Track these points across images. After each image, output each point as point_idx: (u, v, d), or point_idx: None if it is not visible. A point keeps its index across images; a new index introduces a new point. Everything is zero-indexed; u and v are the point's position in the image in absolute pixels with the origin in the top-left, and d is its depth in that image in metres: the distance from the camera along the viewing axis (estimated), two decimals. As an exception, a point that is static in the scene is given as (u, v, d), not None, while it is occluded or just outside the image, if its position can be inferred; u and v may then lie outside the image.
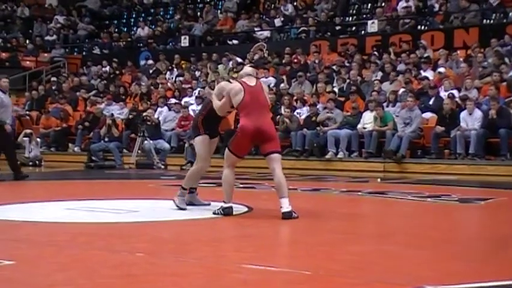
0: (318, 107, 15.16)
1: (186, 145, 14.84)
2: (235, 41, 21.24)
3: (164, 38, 23.05)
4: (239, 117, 7.13)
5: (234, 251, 5.17)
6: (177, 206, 7.38)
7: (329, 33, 19.85)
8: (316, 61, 17.93)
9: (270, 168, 7.09)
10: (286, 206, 6.81)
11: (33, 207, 7.48)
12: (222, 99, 7.15)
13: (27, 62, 23.49)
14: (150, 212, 7.46)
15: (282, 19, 20.93)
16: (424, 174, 12.85)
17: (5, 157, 11.64)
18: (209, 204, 7.60)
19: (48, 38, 24.70)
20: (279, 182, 6.94)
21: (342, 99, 15.57)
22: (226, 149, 7.14)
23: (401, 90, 14.99)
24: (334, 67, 17.36)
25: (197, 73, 19.35)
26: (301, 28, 20.28)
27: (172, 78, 19.80)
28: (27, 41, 24.69)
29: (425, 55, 16.60)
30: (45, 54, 23.83)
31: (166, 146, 15.41)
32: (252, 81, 7.19)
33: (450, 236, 6.16)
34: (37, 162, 16.28)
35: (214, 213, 7.00)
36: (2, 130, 11.24)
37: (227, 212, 6.93)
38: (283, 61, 18.53)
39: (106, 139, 16.01)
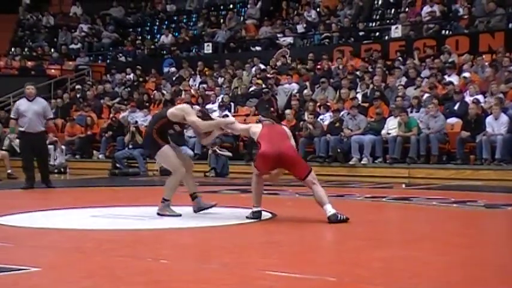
0: (341, 113, 15.11)
1: (210, 152, 14.87)
2: (258, 48, 21.27)
3: (187, 45, 23.14)
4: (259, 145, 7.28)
5: (258, 258, 5.15)
6: (169, 215, 7.32)
7: (352, 39, 19.78)
8: (340, 67, 17.88)
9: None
10: (329, 210, 6.93)
11: (59, 214, 7.53)
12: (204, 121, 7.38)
13: (52, 71, 23.71)
14: (173, 218, 7.46)
15: (305, 25, 20.91)
16: (449, 180, 12.74)
17: (37, 164, 11.70)
18: (215, 204, 7.65)
19: (72, 46, 24.93)
20: (318, 196, 7.14)
21: (366, 105, 15.50)
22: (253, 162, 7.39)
23: (426, 95, 14.90)
24: (357, 73, 17.30)
25: (220, 80, 19.39)
26: (324, 34, 20.24)
27: (195, 85, 19.86)
28: (52, 50, 24.93)
29: (450, 60, 16.48)
30: (70, 63, 24.04)
31: (190, 152, 15.43)
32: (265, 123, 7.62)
33: (477, 242, 6.09)
34: (62, 169, 16.42)
35: (247, 217, 7.16)
36: (33, 137, 11.30)
37: (256, 216, 7.12)
38: (307, 67, 18.50)
39: (130, 146, 16.10)
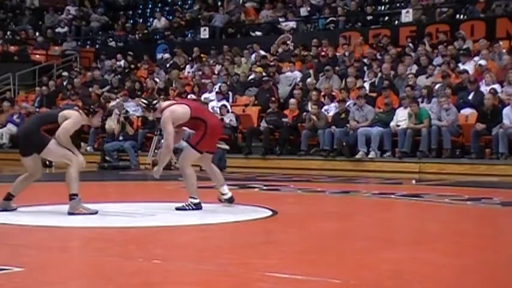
0: (347, 103, 15.10)
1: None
2: (258, 33, 21.24)
3: (182, 30, 23.12)
4: (198, 119, 7.67)
5: (258, 258, 5.16)
6: (85, 213, 7.22)
7: (360, 24, 19.76)
8: (346, 54, 17.86)
9: (208, 165, 7.96)
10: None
11: (44, 210, 7.53)
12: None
13: (37, 56, 23.69)
14: (167, 216, 7.47)
15: (309, 9, 20.88)
16: (463, 176, 12.75)
17: None
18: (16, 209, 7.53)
19: (59, 30, 24.89)
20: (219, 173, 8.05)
21: (374, 94, 15.50)
22: (189, 148, 7.79)
23: (438, 84, 14.89)
24: (365, 60, 17.29)
25: (217, 67, 19.38)
26: (330, 18, 20.22)
27: (191, 72, 19.85)
28: (37, 34, 24.88)
29: (465, 47, 16.47)
30: (56, 48, 24.01)
31: (185, 145, 15.41)
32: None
33: (492, 242, 6.10)
34: (47, 162, 16.37)
35: (178, 208, 7.49)
36: None
37: (198, 207, 7.53)
38: (310, 54, 18.48)
39: (120, 138, 16.09)
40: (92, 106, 7.49)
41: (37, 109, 19.59)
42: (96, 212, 7.29)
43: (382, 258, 5.17)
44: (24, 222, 6.88)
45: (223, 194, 7.93)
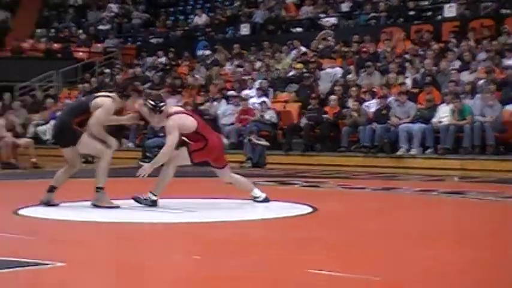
0: (388, 99, 14.99)
1: (246, 141, 14.89)
2: (299, 29, 21.19)
3: (223, 26, 23.16)
4: (201, 135, 7.67)
5: (298, 255, 5.15)
6: (106, 207, 7.39)
7: (402, 19, 19.59)
8: (388, 49, 17.72)
9: (229, 176, 7.98)
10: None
11: (86, 206, 7.62)
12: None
13: (80, 53, 23.96)
14: (207, 211, 7.51)
15: (350, 4, 20.77)
16: (507, 173, 12.57)
17: None
18: (58, 204, 7.63)
19: (101, 27, 25.13)
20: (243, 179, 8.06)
21: (416, 90, 15.36)
22: (187, 152, 7.67)
23: (481, 80, 14.70)
24: (407, 56, 17.13)
25: (258, 63, 19.38)
26: (371, 14, 20.08)
27: (231, 69, 19.88)
28: (80, 31, 25.16)
29: (510, 41, 16.22)
30: (98, 45, 24.25)
31: (225, 141, 15.48)
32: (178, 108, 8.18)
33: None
34: (89, 158, 16.54)
35: (136, 200, 7.51)
36: None
37: (154, 204, 7.52)
38: (351, 50, 18.39)
39: (161, 134, 16.17)
40: (125, 89, 7.51)
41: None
42: (117, 207, 7.42)
43: (423, 255, 5.13)
44: (67, 218, 6.98)
45: (256, 197, 7.89)
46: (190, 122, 7.59)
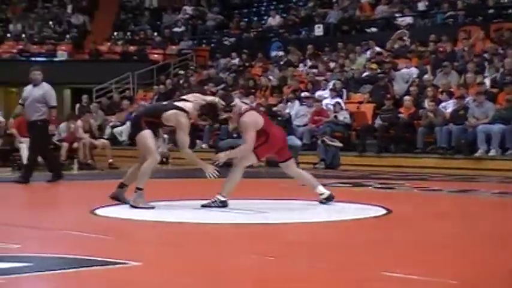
0: (466, 100, 14.70)
1: (319, 142, 14.84)
2: (373, 29, 21.00)
3: (297, 27, 23.15)
4: (264, 131, 7.69)
5: (372, 257, 5.10)
6: (142, 207, 7.48)
7: (481, 18, 19.17)
8: (465, 49, 17.38)
9: (293, 171, 8.10)
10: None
11: (160, 206, 7.73)
12: None
13: (155, 55, 24.33)
14: (280, 213, 7.51)
15: (427, 3, 20.45)
16: None
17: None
18: (128, 203, 7.75)
19: (176, 29, 25.45)
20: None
21: (495, 90, 15.02)
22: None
23: None
24: (485, 55, 16.77)
25: (332, 64, 19.29)
26: (449, 13, 19.73)
27: (304, 70, 19.86)
28: (155, 33, 25.56)
29: None
30: (173, 47, 24.58)
31: (298, 142, 15.44)
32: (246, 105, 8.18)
33: None
34: (164, 159, 16.82)
35: (204, 206, 7.57)
36: (34, 127, 11.11)
37: (224, 204, 7.57)
38: (428, 49, 18.11)
39: (234, 135, 16.28)
40: (228, 105, 7.66)
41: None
42: (153, 208, 7.52)
43: (502, 258, 5.00)
44: (142, 218, 7.09)
45: (320, 195, 7.86)
46: (260, 121, 7.67)
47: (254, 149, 7.63)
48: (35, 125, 11.04)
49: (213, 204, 7.58)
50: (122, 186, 7.91)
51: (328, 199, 7.83)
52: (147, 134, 7.62)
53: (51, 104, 11.11)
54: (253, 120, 7.60)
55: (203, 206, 7.61)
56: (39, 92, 11.06)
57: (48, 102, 11.05)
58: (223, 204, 7.59)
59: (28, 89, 11.29)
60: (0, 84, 23.25)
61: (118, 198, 7.86)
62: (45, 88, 11.15)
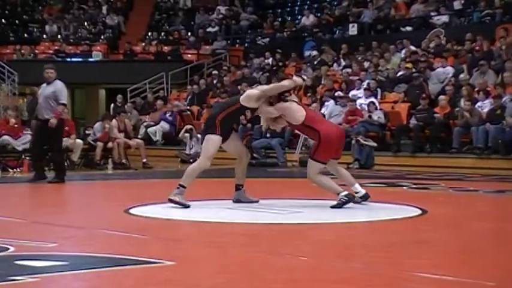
0: (503, 99, 14.53)
1: (353, 142, 14.78)
2: (409, 28, 20.84)
3: (331, 27, 23.08)
4: (311, 128, 7.71)
5: (407, 258, 5.06)
6: (178, 203, 7.57)
7: (519, 16, 18.95)
8: (503, 47, 17.17)
9: (334, 168, 7.94)
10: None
11: (194, 205, 7.76)
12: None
13: (189, 55, 24.45)
14: (314, 213, 7.50)
15: (463, 2, 20.26)
16: None
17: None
18: (257, 201, 7.93)
19: (210, 29, 25.54)
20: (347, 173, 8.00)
21: (533, 89, 14.83)
22: (310, 160, 7.71)
23: None
24: (523, 54, 16.56)
25: (366, 64, 19.20)
26: (486, 11, 19.52)
27: (339, 69, 19.78)
28: (189, 34, 25.68)
29: None
30: (207, 47, 24.67)
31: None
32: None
33: None
34: (197, 159, 16.85)
35: (333, 207, 7.48)
36: (42, 126, 11.10)
37: (350, 197, 7.52)
38: (464, 48, 17.93)
39: (268, 135, 16.30)
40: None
41: (188, 107, 20.23)
42: (188, 206, 7.57)
43: (540, 261, 4.94)
44: (176, 217, 7.13)
45: (356, 193, 7.85)
46: (299, 112, 7.69)
47: (313, 156, 7.68)
48: (47, 123, 10.95)
49: (341, 202, 7.51)
50: (238, 188, 8.06)
51: (364, 198, 7.81)
52: (215, 139, 7.76)
53: (61, 100, 11.07)
54: (288, 106, 7.67)
55: (332, 206, 7.56)
56: (50, 90, 11.07)
57: (58, 98, 11.01)
58: (348, 197, 7.53)
59: (42, 87, 11.37)
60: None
61: (241, 201, 8.00)
62: (58, 85, 11.13)
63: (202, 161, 7.79)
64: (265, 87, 8.07)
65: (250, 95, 7.82)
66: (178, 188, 7.69)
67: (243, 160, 8.08)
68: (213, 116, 8.00)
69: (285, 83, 7.83)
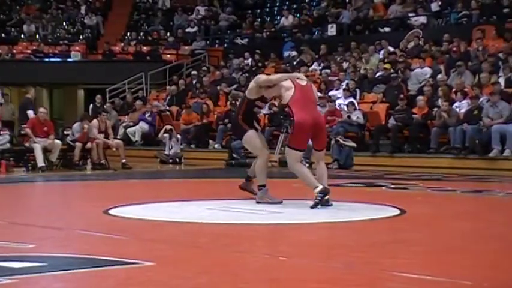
0: (480, 99, 14.64)
1: (332, 142, 14.82)
2: (387, 29, 20.95)
3: (310, 27, 23.13)
4: (291, 112, 7.78)
5: (386, 257, 5.09)
6: (270, 203, 7.71)
7: (495, 17, 19.08)
8: (480, 48, 17.31)
9: (315, 160, 8.03)
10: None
11: (174, 206, 7.75)
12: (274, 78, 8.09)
13: (168, 56, 24.39)
14: (294, 213, 7.51)
15: (440, 3, 20.38)
16: None
17: None
18: (281, 202, 7.97)
19: (189, 30, 25.49)
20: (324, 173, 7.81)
21: (509, 90, 14.94)
22: (287, 148, 7.80)
23: None
24: (500, 55, 16.69)
25: (345, 64, 19.26)
26: (463, 12, 19.66)
27: (318, 70, 19.83)
28: (168, 34, 25.62)
29: None
30: (186, 47, 24.62)
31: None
32: (303, 82, 7.97)
33: None
34: (177, 159, 16.86)
35: (312, 207, 7.45)
36: None
37: (324, 192, 7.44)
38: (441, 49, 18.05)
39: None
40: None
41: (167, 107, 20.18)
42: (280, 202, 7.77)
43: (517, 260, 4.99)
44: (155, 218, 7.11)
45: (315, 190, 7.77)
46: (288, 91, 7.80)
47: (288, 143, 7.83)
48: None
49: (317, 201, 7.49)
50: (248, 179, 8.27)
51: (322, 193, 7.63)
52: (252, 134, 8.00)
53: None
54: (284, 84, 7.80)
55: (311, 207, 7.52)
56: None
57: None
58: (323, 192, 7.48)
59: None
60: (14, 85, 23.34)
61: (246, 190, 8.24)
62: None
63: (260, 154, 8.00)
64: (261, 77, 8.20)
65: (249, 88, 8.10)
66: (260, 189, 7.91)
67: (264, 157, 8.11)
68: (235, 120, 8.32)
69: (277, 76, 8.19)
